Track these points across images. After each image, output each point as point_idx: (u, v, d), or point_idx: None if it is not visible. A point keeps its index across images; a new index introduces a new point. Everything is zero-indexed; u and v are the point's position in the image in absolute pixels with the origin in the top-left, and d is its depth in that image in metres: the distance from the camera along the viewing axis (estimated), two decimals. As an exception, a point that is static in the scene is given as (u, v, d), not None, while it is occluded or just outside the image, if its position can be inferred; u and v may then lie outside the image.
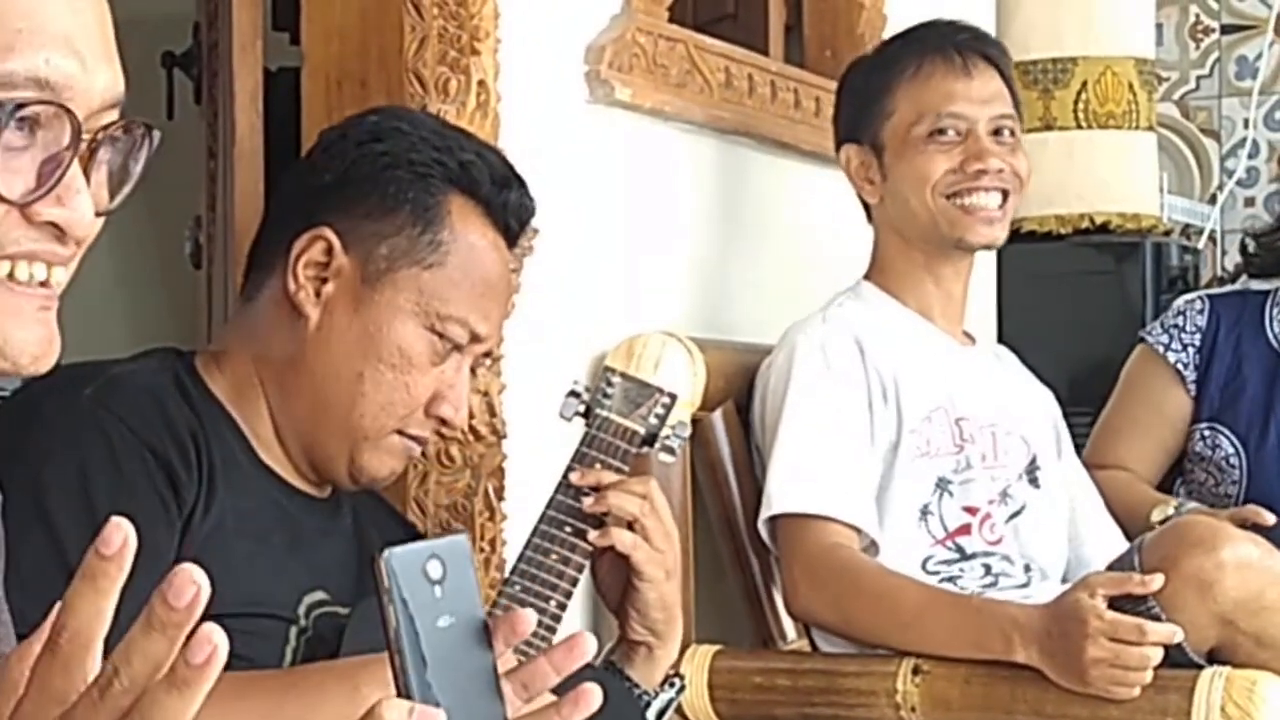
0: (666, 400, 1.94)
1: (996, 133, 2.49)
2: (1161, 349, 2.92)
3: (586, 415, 1.92)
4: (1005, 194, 2.48)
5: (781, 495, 2.37)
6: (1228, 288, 3.10)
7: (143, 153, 1.00)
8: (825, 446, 2.38)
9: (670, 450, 1.94)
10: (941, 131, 2.46)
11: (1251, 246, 3.10)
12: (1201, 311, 2.93)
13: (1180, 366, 2.90)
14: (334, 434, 1.71)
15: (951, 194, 2.46)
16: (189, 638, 0.75)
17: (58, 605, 0.77)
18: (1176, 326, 2.93)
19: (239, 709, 1.45)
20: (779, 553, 2.40)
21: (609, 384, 1.92)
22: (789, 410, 2.40)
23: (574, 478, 1.84)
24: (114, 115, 0.98)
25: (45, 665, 0.76)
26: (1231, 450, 2.86)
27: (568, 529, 1.81)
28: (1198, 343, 2.90)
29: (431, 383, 1.72)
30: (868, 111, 2.52)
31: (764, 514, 2.39)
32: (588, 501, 1.81)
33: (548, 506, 1.84)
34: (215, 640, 0.74)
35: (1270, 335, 2.91)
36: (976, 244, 2.49)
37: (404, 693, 0.87)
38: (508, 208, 1.78)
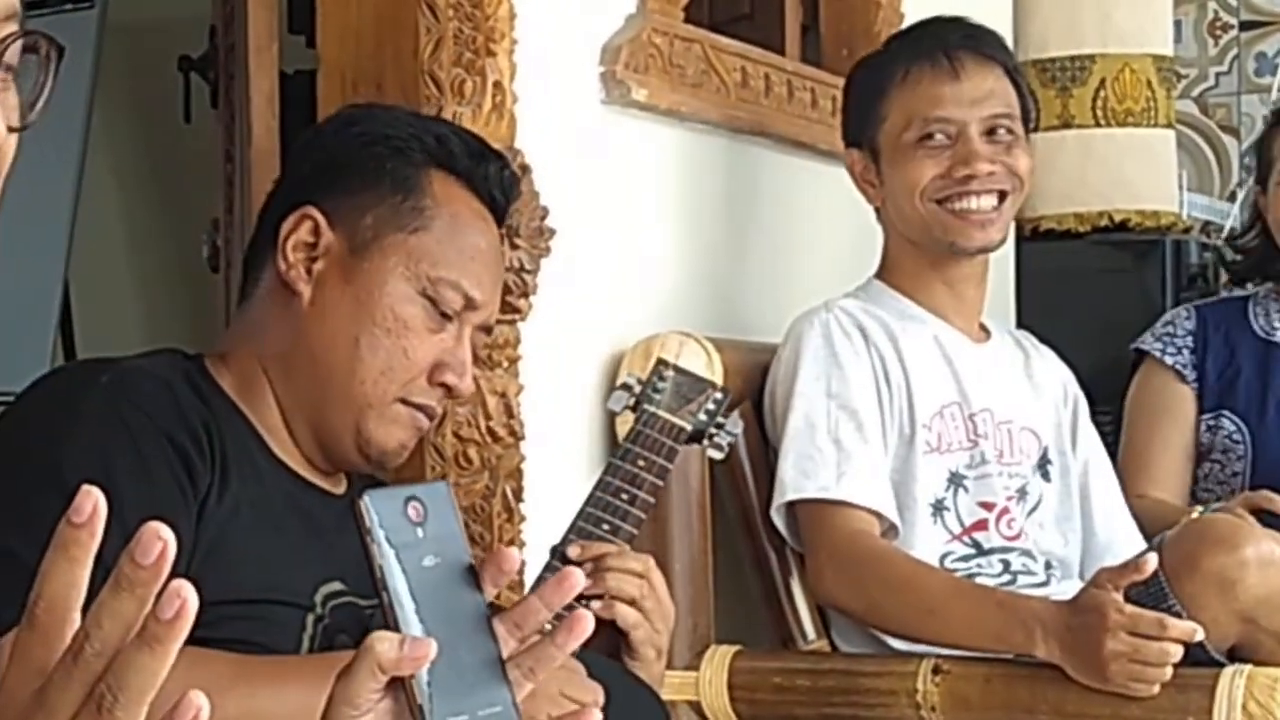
0: (718, 396, 1.92)
1: (991, 132, 2.45)
2: (1159, 353, 3.00)
3: (635, 409, 1.90)
4: (1002, 195, 2.44)
5: (797, 481, 2.36)
6: (1211, 298, 3.19)
7: (52, 68, 0.98)
8: (837, 431, 2.37)
9: (720, 447, 1.93)
10: (929, 136, 2.44)
11: (1229, 254, 3.19)
12: (1189, 318, 3.03)
13: (1180, 367, 2.98)
14: (338, 406, 1.71)
15: (941, 199, 2.43)
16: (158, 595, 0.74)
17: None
18: (1168, 334, 3.02)
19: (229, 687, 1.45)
20: (801, 539, 2.40)
21: (660, 378, 1.91)
22: (798, 396, 2.40)
23: (571, 552, 1.80)
24: (12, 26, 0.96)
25: (25, 638, 0.75)
26: (1234, 428, 2.92)
27: (605, 527, 1.81)
28: (1191, 344, 2.99)
29: (432, 350, 1.72)
30: (865, 116, 2.51)
31: (778, 500, 2.38)
32: (582, 576, 1.79)
33: (585, 504, 1.83)
34: (184, 594, 0.73)
35: (1255, 328, 3.00)
36: (970, 248, 2.46)
37: (394, 628, 0.87)
38: (489, 179, 1.79)
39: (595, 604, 1.77)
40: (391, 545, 0.88)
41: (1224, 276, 3.84)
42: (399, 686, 0.87)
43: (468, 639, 0.89)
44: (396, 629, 0.87)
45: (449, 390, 1.74)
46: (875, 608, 2.33)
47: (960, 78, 2.46)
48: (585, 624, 0.91)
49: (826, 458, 2.36)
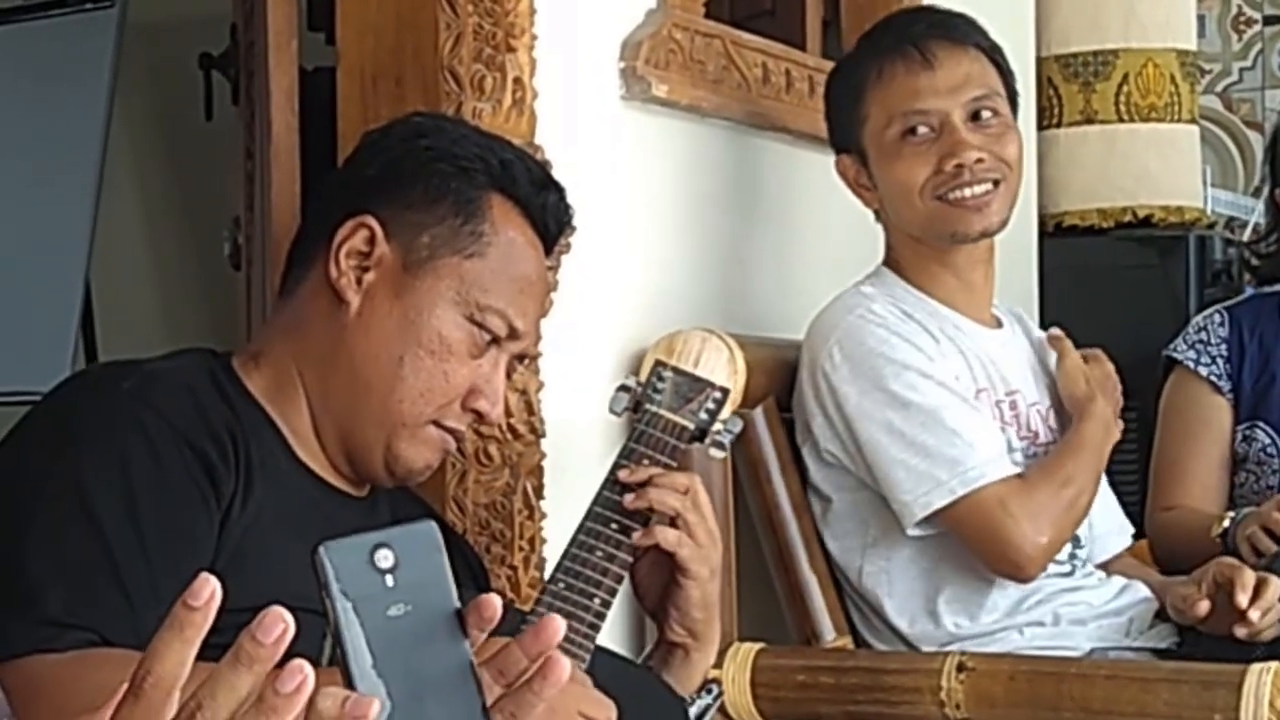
0: (718, 395, 1.92)
1: (975, 117, 2.40)
2: (1193, 364, 2.93)
3: (636, 410, 1.90)
4: (995, 183, 2.40)
5: (943, 483, 2.30)
6: (1239, 297, 3.10)
7: None
8: (948, 417, 2.33)
9: (720, 445, 1.92)
10: (912, 131, 2.39)
11: (1251, 259, 3.12)
12: (1222, 323, 2.95)
13: (1214, 378, 2.91)
14: (372, 421, 1.71)
15: (938, 195, 2.39)
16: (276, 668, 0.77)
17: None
18: (1201, 341, 2.94)
19: None
20: (969, 535, 2.33)
21: (660, 378, 1.92)
22: (874, 400, 2.34)
23: (622, 475, 1.82)
24: None
25: (127, 710, 0.78)
26: (1268, 440, 2.87)
27: (613, 525, 1.80)
28: (1225, 352, 2.92)
29: (469, 375, 1.73)
30: (847, 120, 2.47)
31: (930, 508, 2.31)
32: (629, 498, 1.80)
33: (594, 503, 1.83)
34: (306, 671, 0.77)
35: None
36: (972, 234, 2.41)
37: (348, 684, 0.85)
38: (546, 209, 1.80)
39: (637, 533, 1.79)
40: (348, 597, 0.86)
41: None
42: None
43: (440, 690, 0.87)
44: (348, 680, 0.85)
45: (480, 416, 1.75)
46: (1069, 508, 2.34)
47: (934, 66, 2.40)
48: (561, 669, 0.89)
49: (934, 453, 2.31)
